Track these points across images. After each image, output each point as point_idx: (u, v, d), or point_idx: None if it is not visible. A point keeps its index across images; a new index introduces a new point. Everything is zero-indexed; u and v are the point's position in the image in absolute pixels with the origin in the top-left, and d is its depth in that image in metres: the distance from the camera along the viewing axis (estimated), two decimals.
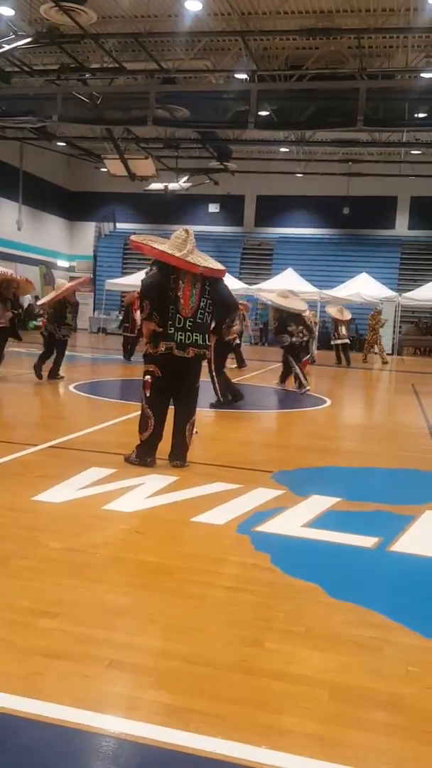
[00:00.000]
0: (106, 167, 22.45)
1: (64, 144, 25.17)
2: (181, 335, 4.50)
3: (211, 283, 4.63)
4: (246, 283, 24.92)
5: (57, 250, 32.14)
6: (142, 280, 4.70)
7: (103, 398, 8.10)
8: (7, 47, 15.48)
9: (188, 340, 4.53)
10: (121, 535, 3.27)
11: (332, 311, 16.76)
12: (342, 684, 2.07)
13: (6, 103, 18.20)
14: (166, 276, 4.50)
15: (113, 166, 21.39)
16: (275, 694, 2.00)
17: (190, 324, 4.53)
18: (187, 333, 4.52)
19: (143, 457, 4.62)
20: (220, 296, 4.74)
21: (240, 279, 25.93)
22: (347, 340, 17.00)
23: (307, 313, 10.90)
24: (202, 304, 4.59)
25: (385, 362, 18.15)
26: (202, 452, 5.11)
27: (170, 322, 4.49)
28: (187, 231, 4.60)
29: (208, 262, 4.66)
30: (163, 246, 4.56)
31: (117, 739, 1.76)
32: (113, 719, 1.83)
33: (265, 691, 2.01)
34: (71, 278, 9.15)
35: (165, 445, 4.70)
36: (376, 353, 18.51)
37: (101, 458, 4.77)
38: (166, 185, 24.74)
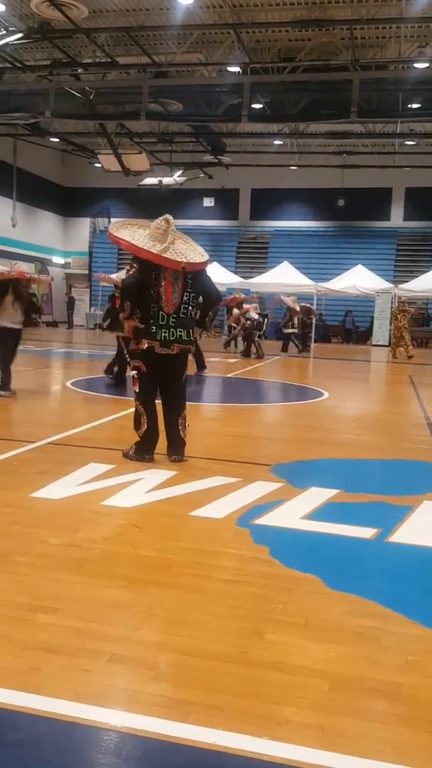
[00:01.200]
0: (100, 162, 22.37)
1: (57, 140, 25.07)
2: (164, 332, 4.45)
3: (193, 275, 4.54)
4: (242, 277, 24.91)
5: (52, 246, 32.06)
6: (123, 280, 4.68)
7: (100, 394, 8.09)
8: None
9: (172, 336, 4.47)
10: (120, 530, 3.27)
11: (288, 301, 17.53)
12: (341, 674, 2.08)
13: None
14: (148, 273, 4.44)
15: (107, 161, 21.33)
16: (275, 685, 2.00)
17: (174, 320, 4.47)
18: (171, 329, 4.47)
19: (141, 453, 4.61)
20: (203, 288, 4.67)
21: (236, 273, 25.91)
22: (296, 330, 18.16)
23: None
24: (185, 298, 4.51)
25: (410, 356, 17.79)
26: (200, 446, 5.12)
27: (152, 320, 4.44)
28: (167, 221, 4.46)
29: (189, 252, 4.52)
30: (139, 237, 4.45)
31: (118, 733, 1.76)
32: (113, 713, 1.84)
33: (264, 682, 2.01)
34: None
35: (162, 441, 4.70)
36: (404, 346, 18.33)
37: (99, 454, 4.77)
38: (160, 180, 24.69)
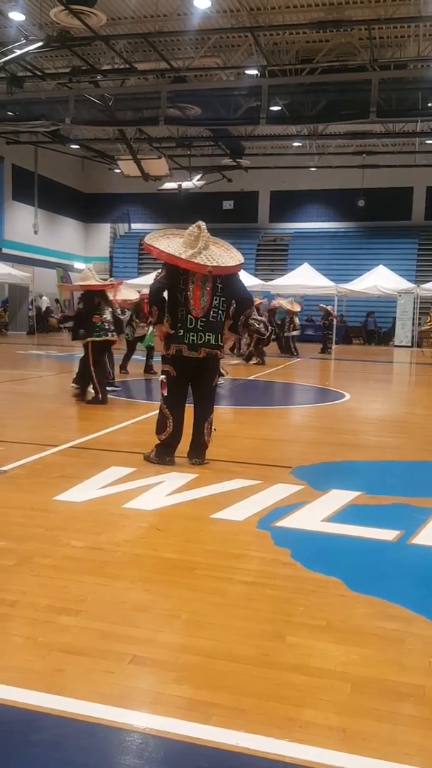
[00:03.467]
0: (119, 168, 22.55)
1: (77, 146, 25.32)
2: (192, 336, 4.47)
3: (223, 279, 4.56)
4: (262, 279, 24.90)
5: (73, 252, 32.37)
6: (150, 285, 4.71)
7: (122, 398, 8.14)
8: (18, 52, 15.62)
9: (200, 340, 4.48)
10: (142, 532, 3.29)
11: (285, 303, 16.71)
12: (364, 676, 2.07)
13: (19, 108, 18.37)
14: (175, 277, 4.47)
15: (126, 167, 21.49)
16: (297, 688, 2.00)
17: (202, 324, 4.48)
18: (199, 333, 4.47)
19: (163, 456, 4.63)
20: (235, 292, 4.67)
21: (256, 275, 25.90)
22: (298, 332, 17.39)
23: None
24: (214, 302, 4.53)
25: None
26: (220, 449, 5.12)
27: (180, 324, 4.47)
28: (199, 227, 4.51)
29: (224, 256, 4.55)
30: (174, 245, 4.50)
31: (140, 734, 1.77)
32: (136, 714, 1.85)
33: (286, 685, 2.01)
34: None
35: (183, 443, 4.72)
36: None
37: (121, 458, 4.79)
38: (179, 184, 24.79)
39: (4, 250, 26.23)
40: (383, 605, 2.56)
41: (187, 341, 4.47)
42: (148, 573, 2.80)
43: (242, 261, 4.69)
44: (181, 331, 4.47)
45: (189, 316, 4.46)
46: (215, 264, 4.43)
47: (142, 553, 3.02)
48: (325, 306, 19.03)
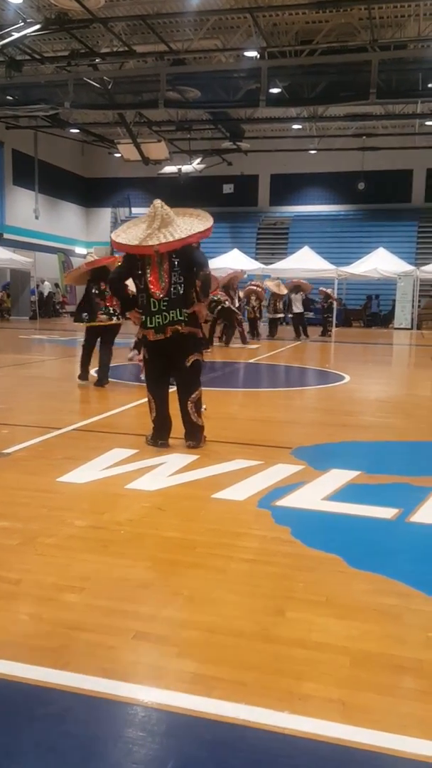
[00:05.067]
0: (119, 152, 22.40)
1: (77, 130, 25.15)
2: (157, 319, 4.44)
3: (179, 254, 4.41)
4: (262, 263, 24.80)
5: (74, 237, 32.24)
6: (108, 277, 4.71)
7: (123, 381, 8.16)
8: (17, 35, 15.48)
9: (165, 320, 4.43)
10: (144, 512, 3.32)
11: (271, 285, 16.53)
12: (363, 650, 2.10)
13: (18, 92, 18.24)
14: (133, 264, 4.47)
15: (126, 150, 21.36)
16: (297, 661, 2.03)
17: (165, 304, 4.43)
18: (163, 314, 4.43)
19: (155, 439, 4.65)
20: (190, 262, 4.48)
21: (256, 259, 25.81)
22: (282, 314, 17.36)
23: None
24: (173, 279, 4.44)
25: None
26: (222, 431, 5.15)
27: (144, 310, 4.47)
28: (154, 205, 4.45)
29: (179, 230, 4.40)
30: (135, 232, 4.46)
31: (143, 707, 1.81)
32: (139, 688, 1.88)
33: (286, 659, 2.05)
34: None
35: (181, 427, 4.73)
36: None
37: (123, 439, 4.82)
38: (179, 168, 24.66)
39: (6, 236, 26.12)
40: (382, 581, 2.59)
41: (152, 325, 4.45)
42: (150, 551, 2.84)
43: (203, 229, 4.46)
44: (144, 316, 4.47)
45: (151, 299, 4.44)
46: (165, 240, 4.32)
47: (145, 533, 3.05)
48: (325, 289, 18.97)
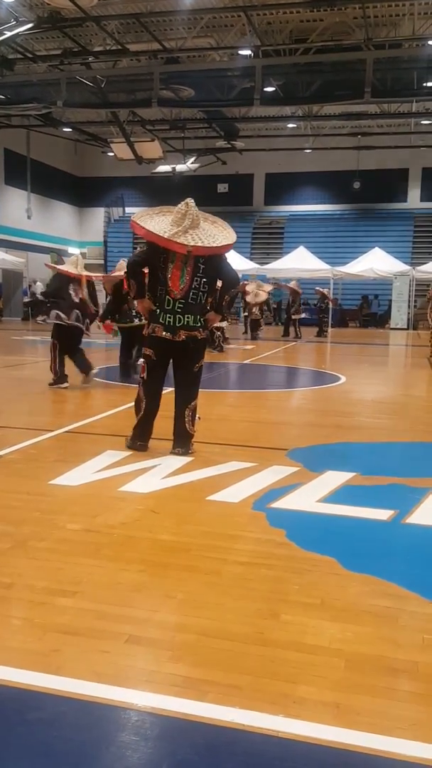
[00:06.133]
0: (112, 151, 22.36)
1: (70, 130, 25.08)
2: (169, 317, 4.34)
3: (206, 260, 4.35)
4: (257, 263, 24.81)
5: (67, 237, 32.17)
6: (128, 260, 4.64)
7: (116, 383, 8.14)
8: (9, 33, 15.42)
9: (178, 322, 4.34)
10: (137, 515, 3.30)
11: (251, 289, 16.48)
12: (358, 653, 2.09)
13: (10, 91, 18.16)
14: (156, 256, 4.35)
15: (120, 150, 21.31)
16: (291, 664, 2.02)
17: (180, 306, 4.34)
18: (177, 315, 4.33)
19: (134, 440, 4.54)
20: (218, 273, 4.49)
21: (251, 259, 25.81)
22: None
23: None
24: (194, 284, 4.36)
25: None
26: (216, 432, 5.14)
27: (158, 303, 4.37)
28: (187, 204, 4.35)
29: (216, 236, 4.40)
30: (162, 223, 4.36)
31: (137, 711, 1.79)
32: (132, 692, 1.87)
33: (281, 662, 2.03)
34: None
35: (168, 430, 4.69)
36: None
37: (116, 441, 4.79)
38: (173, 167, 24.62)
39: None
40: (377, 583, 2.58)
41: (163, 321, 4.35)
42: (143, 554, 2.82)
43: (232, 241, 4.48)
44: (158, 310, 4.37)
45: (167, 296, 4.34)
46: (198, 244, 4.27)
47: (138, 535, 3.03)
48: (320, 289, 18.98)
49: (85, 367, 7.61)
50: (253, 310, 16.44)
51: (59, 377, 7.44)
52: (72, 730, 1.72)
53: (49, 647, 2.07)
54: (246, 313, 16.61)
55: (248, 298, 16.22)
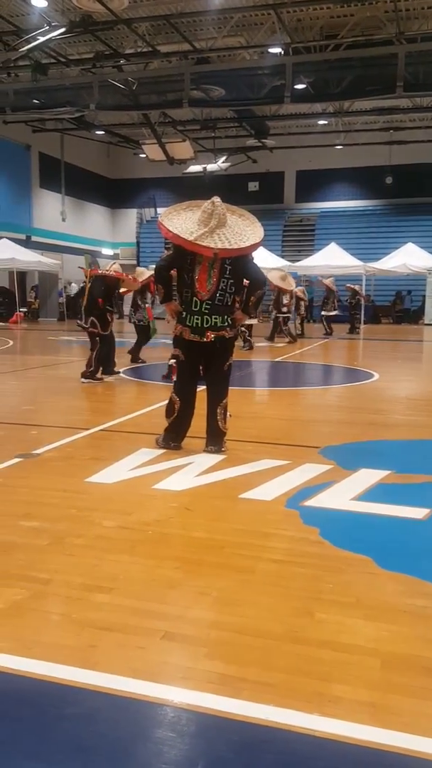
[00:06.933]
0: (144, 153, 22.49)
1: (102, 132, 25.30)
2: (197, 319, 4.34)
3: (232, 261, 4.33)
4: (288, 261, 24.66)
5: (101, 238, 32.48)
6: (156, 264, 4.65)
7: (150, 381, 8.19)
8: (42, 39, 15.61)
9: (206, 323, 4.34)
10: (171, 512, 3.33)
11: (275, 277, 14.51)
12: (393, 652, 2.08)
13: (44, 95, 18.38)
14: (182, 258, 4.34)
15: (151, 151, 21.43)
16: (326, 663, 2.01)
17: (207, 307, 4.33)
18: (204, 316, 4.33)
19: (167, 440, 4.56)
20: (246, 273, 4.46)
21: (282, 256, 25.68)
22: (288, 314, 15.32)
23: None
24: (221, 285, 4.33)
25: None
26: (249, 430, 5.13)
27: (184, 306, 4.37)
28: (213, 203, 4.32)
29: (244, 233, 4.36)
30: (188, 222, 4.33)
31: (172, 708, 1.81)
32: (168, 688, 1.88)
33: (316, 660, 2.03)
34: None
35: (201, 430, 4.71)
36: None
37: (150, 440, 4.82)
38: (204, 167, 24.65)
39: (33, 238, 26.43)
40: (413, 582, 2.56)
41: (190, 324, 4.36)
42: (178, 552, 2.84)
43: (259, 239, 4.43)
44: (185, 313, 4.37)
45: (194, 298, 4.34)
46: (224, 246, 4.24)
47: (172, 533, 3.05)
48: (352, 285, 18.80)
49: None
50: (284, 300, 14.77)
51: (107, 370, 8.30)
52: (108, 725, 1.74)
53: (86, 642, 2.10)
54: (276, 312, 15.55)
55: (276, 282, 14.33)
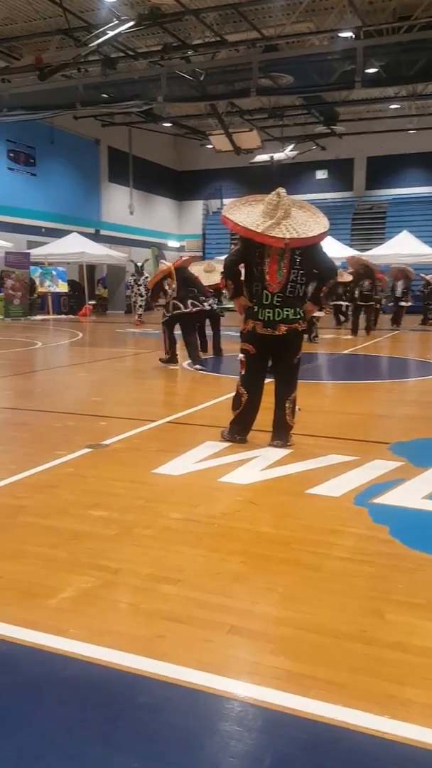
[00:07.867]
0: (211, 144, 22.50)
1: (170, 124, 25.44)
2: (268, 312, 4.28)
3: (302, 251, 4.26)
4: (358, 250, 24.21)
5: (167, 231, 32.78)
6: (225, 259, 4.62)
7: (215, 374, 8.22)
8: (111, 33, 15.81)
9: (277, 316, 4.28)
10: (237, 506, 3.33)
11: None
12: None
13: (114, 89, 18.61)
14: (251, 251, 4.29)
15: (218, 141, 21.42)
16: (397, 665, 1.97)
17: (279, 299, 4.28)
18: (276, 309, 4.28)
19: (233, 433, 4.54)
20: (317, 263, 4.40)
21: (351, 245, 25.24)
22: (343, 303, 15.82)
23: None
24: (292, 276, 4.28)
25: None
26: (315, 425, 5.08)
27: (255, 300, 4.32)
28: (278, 194, 4.26)
29: (308, 223, 4.30)
30: (253, 215, 4.28)
31: (240, 702, 1.81)
32: (235, 683, 1.88)
33: (386, 662, 1.99)
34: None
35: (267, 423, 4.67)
36: None
37: (215, 432, 4.84)
38: (271, 156, 24.46)
39: (102, 232, 26.93)
40: None
41: (262, 318, 4.30)
42: (243, 546, 2.84)
43: (326, 228, 4.37)
44: (256, 307, 4.32)
45: (265, 291, 4.28)
46: (293, 235, 4.18)
47: (238, 526, 3.05)
48: (425, 275, 18.27)
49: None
50: (338, 290, 15.15)
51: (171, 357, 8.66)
52: (178, 716, 1.76)
53: (154, 633, 2.13)
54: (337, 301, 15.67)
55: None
